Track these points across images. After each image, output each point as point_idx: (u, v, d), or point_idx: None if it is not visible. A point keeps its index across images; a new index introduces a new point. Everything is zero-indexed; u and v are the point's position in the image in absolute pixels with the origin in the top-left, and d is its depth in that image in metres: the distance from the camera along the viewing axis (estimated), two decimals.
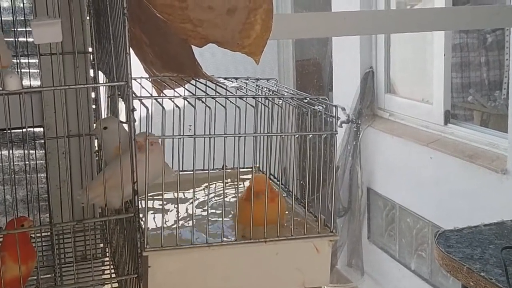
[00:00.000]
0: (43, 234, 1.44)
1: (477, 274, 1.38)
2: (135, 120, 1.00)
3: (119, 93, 1.12)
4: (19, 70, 1.55)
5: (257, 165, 1.42)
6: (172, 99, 1.06)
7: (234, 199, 1.22)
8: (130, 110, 0.95)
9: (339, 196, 4.86)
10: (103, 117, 1.38)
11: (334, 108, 1.10)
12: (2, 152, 1.63)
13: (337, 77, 5.04)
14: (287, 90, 1.25)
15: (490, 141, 3.67)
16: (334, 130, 1.10)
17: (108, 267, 1.37)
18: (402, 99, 4.51)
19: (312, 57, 5.41)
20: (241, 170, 1.38)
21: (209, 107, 1.02)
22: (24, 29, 1.58)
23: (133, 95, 0.98)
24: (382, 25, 2.15)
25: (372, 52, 4.65)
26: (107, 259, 1.48)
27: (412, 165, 4.25)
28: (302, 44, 5.31)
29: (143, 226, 0.98)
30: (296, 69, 5.28)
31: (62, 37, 0.95)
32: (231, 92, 1.15)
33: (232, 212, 1.11)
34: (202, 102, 1.06)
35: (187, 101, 1.06)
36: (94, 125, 1.57)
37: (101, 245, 1.55)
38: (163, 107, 1.00)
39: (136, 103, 1.01)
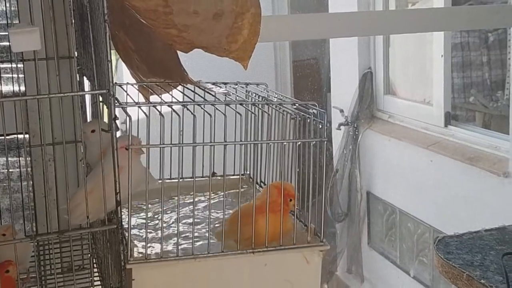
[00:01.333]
0: None
1: (477, 281, 1.38)
2: (117, 129, 1.00)
3: (101, 100, 1.12)
4: (0, 75, 1.55)
5: (248, 172, 1.43)
6: (158, 107, 1.06)
7: (221, 209, 1.22)
8: (111, 119, 0.96)
9: (338, 200, 4.86)
10: (88, 121, 1.39)
11: (324, 114, 1.10)
12: None
13: (335, 78, 5.04)
14: (276, 96, 1.26)
15: (492, 143, 3.67)
16: (323, 137, 1.10)
17: (95, 278, 1.37)
18: (402, 101, 4.51)
19: (309, 58, 5.42)
20: (230, 177, 1.39)
21: (194, 115, 1.02)
22: (7, 33, 1.58)
23: (116, 103, 0.98)
24: (379, 26, 2.16)
25: (370, 52, 4.66)
26: (94, 270, 1.49)
27: (412, 168, 4.25)
28: (299, 45, 5.32)
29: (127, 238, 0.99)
30: (293, 70, 5.28)
31: (42, 44, 0.95)
32: (218, 99, 1.16)
33: (217, 224, 1.11)
34: (187, 109, 1.06)
35: (172, 109, 1.06)
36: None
37: (89, 255, 1.55)
38: (147, 116, 1.00)
39: (121, 110, 1.01)
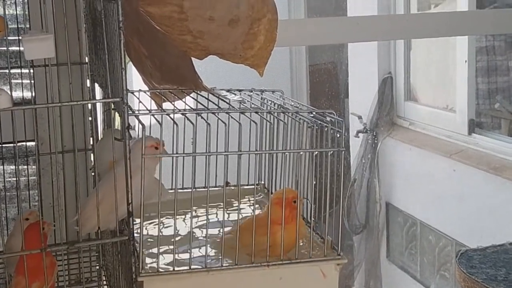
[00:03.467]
0: None
1: None
2: (130, 137, 1.03)
3: (114, 108, 1.15)
4: (10, 81, 1.58)
5: (262, 182, 1.45)
6: (171, 115, 1.08)
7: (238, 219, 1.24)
8: (125, 128, 0.98)
9: (356, 211, 4.86)
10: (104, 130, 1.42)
11: (342, 122, 1.12)
12: None
13: (353, 83, 5.05)
14: (292, 104, 1.28)
15: None
16: (341, 146, 1.12)
17: None
18: (423, 107, 4.51)
19: (326, 62, 5.43)
20: (244, 187, 1.41)
21: (208, 124, 1.04)
22: (17, 37, 1.61)
23: (129, 111, 1.01)
24: (400, 30, 2.17)
25: (390, 57, 4.66)
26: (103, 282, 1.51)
27: (434, 178, 4.24)
28: (315, 49, 5.34)
29: (138, 250, 1.01)
30: (309, 75, 5.29)
31: (56, 50, 0.98)
32: (233, 107, 1.18)
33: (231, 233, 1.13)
34: (201, 117, 1.08)
35: (186, 117, 1.08)
36: (91, 139, 1.60)
37: (97, 267, 1.57)
38: (160, 124, 1.03)
39: (134, 118, 1.04)
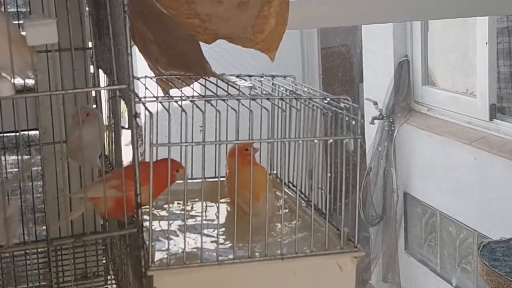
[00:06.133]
0: (39, 250, 1.49)
1: None
2: (138, 126, 1.03)
3: (120, 95, 1.15)
4: (12, 68, 1.59)
5: (274, 172, 1.45)
6: (179, 102, 1.09)
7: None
8: (132, 116, 0.99)
9: (372, 202, 4.86)
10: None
11: (357, 109, 1.12)
12: None
13: (368, 67, 5.04)
14: (305, 89, 1.28)
15: None
16: (357, 134, 1.12)
17: (111, 286, 1.41)
18: (442, 92, 4.50)
19: (339, 45, 5.42)
20: None
21: (218, 111, 1.05)
22: (17, 22, 1.62)
23: (136, 98, 1.01)
24: (416, 11, 2.17)
25: (407, 39, 4.64)
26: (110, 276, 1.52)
27: (454, 167, 4.24)
28: (328, 31, 5.32)
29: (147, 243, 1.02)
30: (321, 58, 5.28)
31: (58, 36, 0.98)
32: (243, 93, 1.18)
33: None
34: (211, 104, 1.09)
35: (195, 104, 1.09)
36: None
37: (104, 261, 1.58)
38: (169, 112, 1.03)
39: (139, 106, 1.04)
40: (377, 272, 4.98)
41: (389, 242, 4.90)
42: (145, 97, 1.19)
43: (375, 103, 4.71)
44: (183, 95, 1.27)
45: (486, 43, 3.89)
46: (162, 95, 1.34)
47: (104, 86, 1.33)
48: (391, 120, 4.68)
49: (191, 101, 1.11)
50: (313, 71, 5.26)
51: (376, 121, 4.75)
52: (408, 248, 4.90)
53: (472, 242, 4.23)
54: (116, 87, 1.05)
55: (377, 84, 4.85)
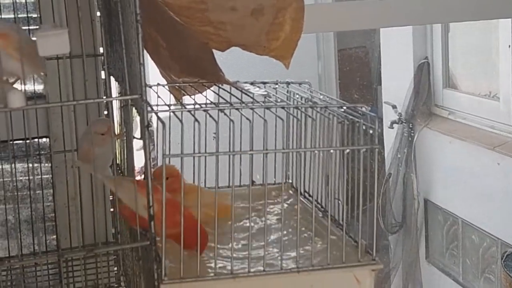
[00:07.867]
0: (49, 261, 1.50)
1: None
2: (150, 136, 1.05)
3: (132, 104, 1.17)
4: (23, 78, 1.61)
5: (290, 181, 1.46)
6: (192, 112, 1.10)
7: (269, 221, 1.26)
8: (144, 126, 1.00)
9: (392, 209, 4.85)
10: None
11: (375, 118, 1.13)
12: (3, 167, 1.70)
13: (387, 69, 5.03)
14: (321, 97, 1.29)
15: None
16: (375, 144, 1.13)
17: None
18: (464, 95, 4.49)
19: (357, 47, 5.42)
20: (270, 186, 1.43)
21: (232, 120, 1.06)
22: (27, 27, 1.64)
23: (148, 108, 1.03)
24: (436, 14, 2.17)
25: (427, 40, 4.64)
26: None
27: (477, 173, 4.22)
28: (344, 33, 5.32)
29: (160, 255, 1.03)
30: (338, 61, 5.28)
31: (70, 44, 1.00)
32: (257, 101, 1.19)
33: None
34: (224, 113, 1.10)
35: (209, 113, 1.10)
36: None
37: (116, 272, 1.60)
38: (182, 123, 1.05)
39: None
40: (397, 282, 4.97)
41: (410, 251, 4.89)
42: (157, 105, 1.21)
43: (394, 107, 4.70)
44: (195, 103, 1.28)
45: (509, 46, 3.87)
46: (175, 103, 1.36)
47: (116, 97, 1.35)
48: (410, 125, 4.67)
49: (204, 110, 1.13)
50: (330, 74, 5.25)
51: (395, 126, 4.74)
52: (429, 257, 4.88)
53: (495, 251, 4.21)
54: (128, 97, 1.06)
55: (396, 87, 4.84)
